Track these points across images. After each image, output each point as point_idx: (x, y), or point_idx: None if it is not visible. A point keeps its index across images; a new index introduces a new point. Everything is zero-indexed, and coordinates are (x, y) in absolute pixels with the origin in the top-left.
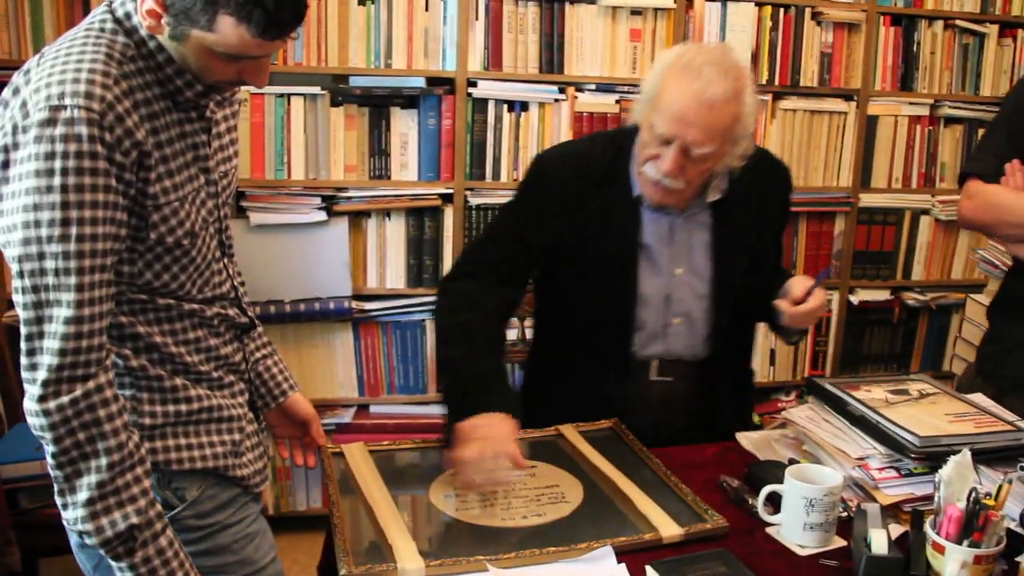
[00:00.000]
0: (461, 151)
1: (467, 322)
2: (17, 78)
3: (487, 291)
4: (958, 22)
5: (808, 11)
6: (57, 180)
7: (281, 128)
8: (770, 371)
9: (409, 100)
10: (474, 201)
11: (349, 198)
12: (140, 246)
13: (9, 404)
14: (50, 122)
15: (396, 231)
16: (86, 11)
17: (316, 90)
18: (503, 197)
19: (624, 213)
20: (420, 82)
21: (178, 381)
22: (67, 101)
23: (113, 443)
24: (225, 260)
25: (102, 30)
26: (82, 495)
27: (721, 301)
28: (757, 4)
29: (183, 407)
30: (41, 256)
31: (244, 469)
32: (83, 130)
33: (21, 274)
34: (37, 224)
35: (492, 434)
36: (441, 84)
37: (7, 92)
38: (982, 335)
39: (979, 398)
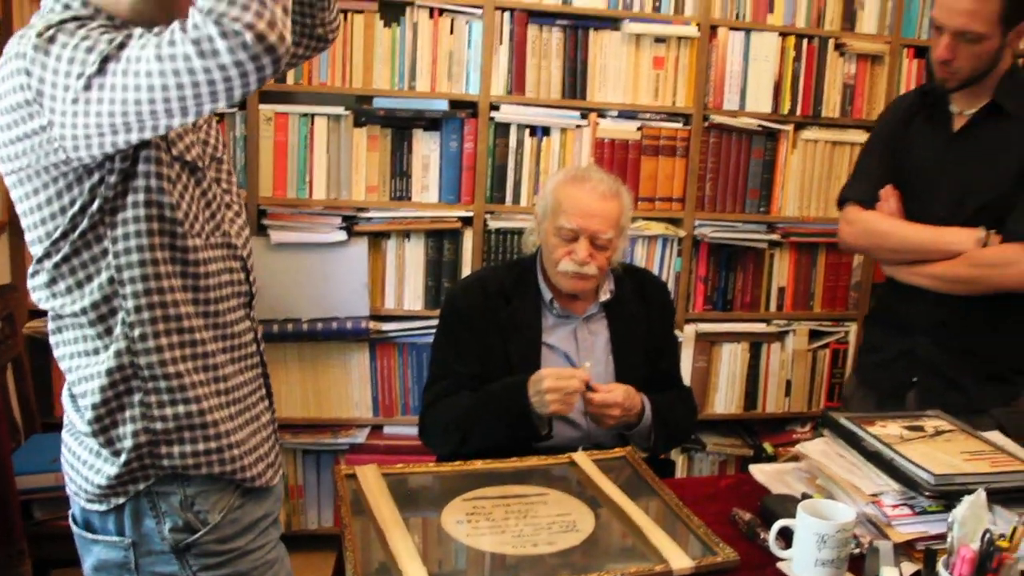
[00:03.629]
0: (482, 174)
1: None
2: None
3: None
4: None
5: (832, 42)
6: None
7: (304, 147)
8: (785, 402)
9: (432, 122)
10: (494, 225)
11: (369, 219)
12: (166, 169)
13: (26, 414)
14: (38, 37)
15: (415, 253)
16: None
17: (340, 110)
18: (523, 221)
19: (531, 318)
20: (443, 105)
21: (186, 380)
22: (53, 26)
23: None
24: (232, 213)
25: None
26: None
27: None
28: (781, 34)
29: (193, 407)
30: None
31: (257, 466)
32: (72, 24)
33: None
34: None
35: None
36: (464, 107)
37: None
38: (863, 345)
39: (996, 436)
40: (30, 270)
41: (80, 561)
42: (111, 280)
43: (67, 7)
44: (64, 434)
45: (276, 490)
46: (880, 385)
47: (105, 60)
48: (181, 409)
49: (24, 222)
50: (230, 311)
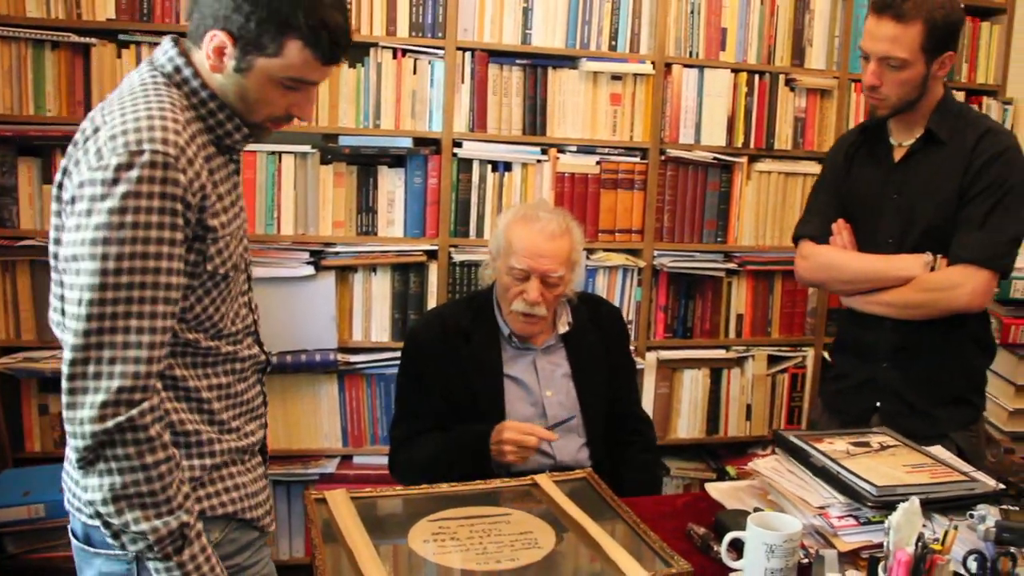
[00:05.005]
0: (446, 209)
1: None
2: (86, 126)
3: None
4: None
5: (782, 77)
6: (129, 217)
7: (272, 184)
8: (746, 426)
9: (396, 159)
10: (458, 258)
11: (337, 253)
12: (195, 281)
13: None
14: (129, 165)
15: (382, 286)
16: (86, 70)
17: (307, 148)
18: (486, 254)
19: (491, 351)
20: (407, 142)
21: (203, 436)
22: (145, 146)
23: (162, 455)
24: (250, 295)
25: (156, 83)
26: (136, 500)
27: (591, 415)
28: (733, 71)
29: (208, 461)
30: (103, 287)
31: (258, 510)
32: (158, 173)
33: (80, 302)
34: (105, 257)
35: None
36: (428, 144)
37: (76, 145)
38: (830, 373)
39: (938, 450)
40: None
41: None
42: None
43: (178, 70)
44: (69, 450)
45: None
46: (845, 411)
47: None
48: (197, 463)
49: None
50: (244, 380)
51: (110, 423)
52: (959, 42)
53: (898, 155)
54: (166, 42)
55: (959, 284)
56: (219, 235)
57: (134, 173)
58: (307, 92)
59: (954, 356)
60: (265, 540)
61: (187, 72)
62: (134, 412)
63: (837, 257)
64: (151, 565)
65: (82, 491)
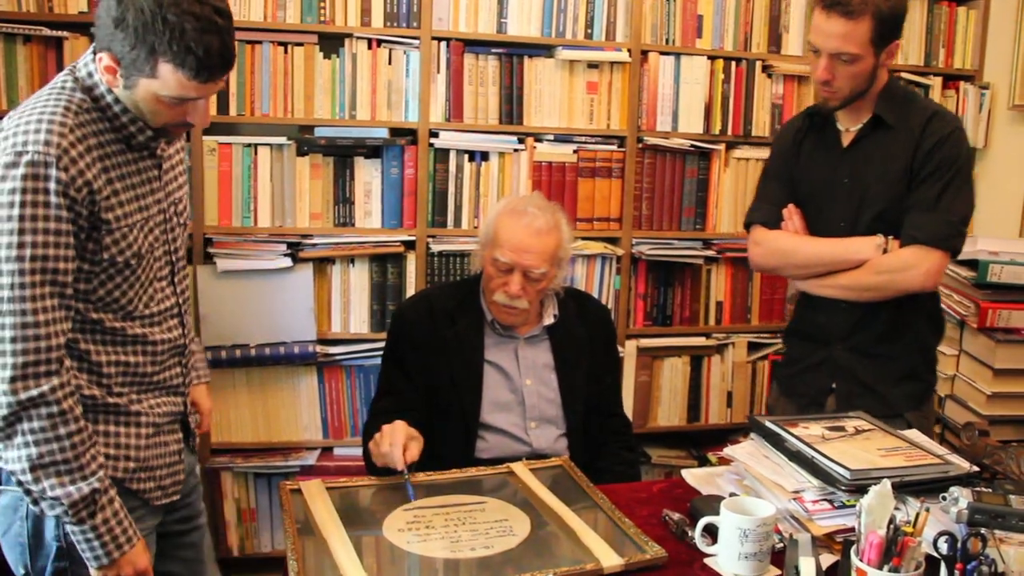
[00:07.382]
0: (423, 199)
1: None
2: None
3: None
4: (903, 74)
5: (759, 64)
6: (16, 211)
7: (248, 177)
8: (727, 413)
9: (373, 150)
10: (436, 248)
11: (314, 245)
12: (96, 267)
13: None
14: (14, 164)
15: (360, 277)
16: (59, 64)
17: (282, 140)
18: (464, 244)
19: (473, 335)
20: (383, 132)
21: (96, 392)
22: (29, 148)
23: (74, 427)
24: (175, 278)
25: (63, 88)
26: (51, 468)
27: (569, 406)
28: (710, 58)
29: (100, 416)
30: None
31: (146, 483)
32: (40, 171)
33: None
34: None
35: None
36: (404, 134)
37: None
38: (783, 358)
39: (913, 434)
40: None
41: None
42: None
43: (90, 75)
44: None
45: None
46: (801, 393)
47: None
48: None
49: None
50: (157, 363)
51: (23, 395)
52: (903, 29)
53: (847, 140)
54: (89, 51)
55: (913, 265)
56: (113, 227)
57: (19, 171)
58: (195, 105)
59: (908, 334)
60: (151, 511)
61: (97, 78)
62: (45, 387)
63: (790, 242)
64: (70, 530)
65: (3, 464)
